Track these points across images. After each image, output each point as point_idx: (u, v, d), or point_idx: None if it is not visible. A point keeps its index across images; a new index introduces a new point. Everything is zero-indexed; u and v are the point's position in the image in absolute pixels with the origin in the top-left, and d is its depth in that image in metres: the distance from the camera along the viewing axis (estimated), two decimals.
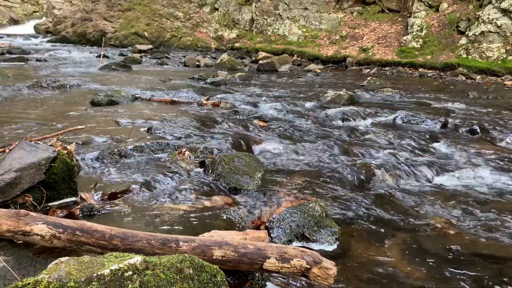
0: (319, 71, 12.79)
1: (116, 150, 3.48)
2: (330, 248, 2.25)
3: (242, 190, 2.97)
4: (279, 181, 3.20)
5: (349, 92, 7.20)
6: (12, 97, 6.06)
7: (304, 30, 18.63)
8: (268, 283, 1.85)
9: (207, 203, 2.73)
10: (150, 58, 14.83)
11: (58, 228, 1.70)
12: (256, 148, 4.08)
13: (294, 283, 1.88)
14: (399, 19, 16.88)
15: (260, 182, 3.13)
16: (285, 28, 19.03)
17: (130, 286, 1.24)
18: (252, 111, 5.99)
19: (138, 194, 2.74)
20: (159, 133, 4.37)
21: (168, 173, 3.10)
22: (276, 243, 2.20)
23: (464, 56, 13.38)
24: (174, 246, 1.63)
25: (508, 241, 2.45)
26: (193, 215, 2.52)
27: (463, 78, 11.94)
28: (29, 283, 1.18)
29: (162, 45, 20.43)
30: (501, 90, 10.00)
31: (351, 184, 3.27)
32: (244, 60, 15.23)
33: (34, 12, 31.52)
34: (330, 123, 5.40)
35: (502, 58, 12.84)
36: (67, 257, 1.31)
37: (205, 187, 2.98)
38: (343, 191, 3.11)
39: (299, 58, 16.38)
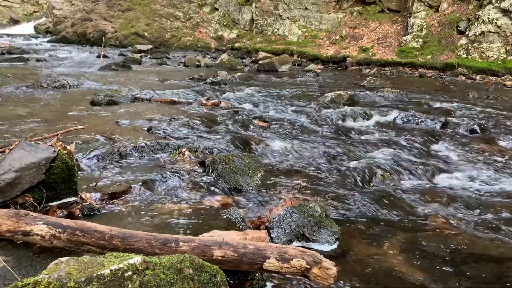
0: (319, 71, 12.78)
1: (116, 150, 3.48)
2: (330, 248, 2.25)
3: (242, 190, 2.97)
4: (279, 181, 3.20)
5: (349, 92, 7.20)
6: (12, 97, 6.06)
7: (304, 30, 18.63)
8: (268, 283, 1.85)
9: (207, 203, 2.73)
10: (150, 58, 14.83)
11: (58, 228, 1.70)
12: (256, 148, 4.08)
13: (294, 284, 1.88)
14: (399, 19, 16.88)
15: (260, 182, 3.13)
16: (285, 28, 19.03)
17: (130, 286, 1.24)
18: (252, 111, 5.99)
19: (138, 194, 2.74)
20: (159, 133, 4.37)
21: (168, 173, 3.09)
22: (276, 243, 2.19)
23: (464, 56, 13.37)
24: (174, 246, 1.63)
25: (508, 241, 2.45)
26: (193, 215, 2.52)
27: (463, 78, 11.94)
28: (29, 283, 1.18)
29: (162, 45, 20.43)
30: (501, 90, 10.00)
31: (351, 184, 3.27)
32: (244, 60, 15.22)
33: (34, 12, 31.52)
34: (330, 123, 5.40)
35: (502, 58, 12.84)
36: (67, 257, 1.31)
37: (205, 187, 2.97)
38: (343, 191, 3.11)
39: (299, 58, 16.37)
